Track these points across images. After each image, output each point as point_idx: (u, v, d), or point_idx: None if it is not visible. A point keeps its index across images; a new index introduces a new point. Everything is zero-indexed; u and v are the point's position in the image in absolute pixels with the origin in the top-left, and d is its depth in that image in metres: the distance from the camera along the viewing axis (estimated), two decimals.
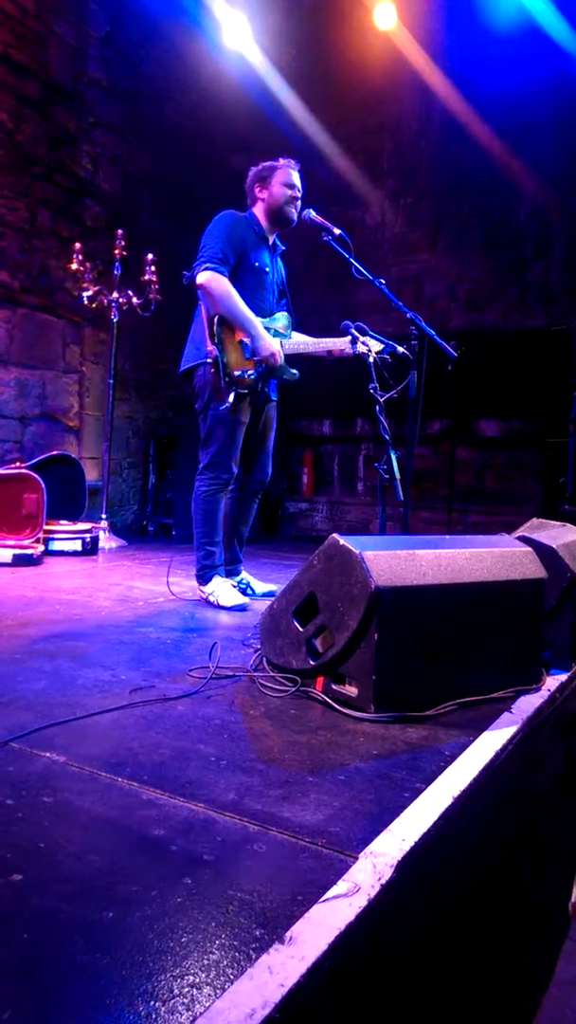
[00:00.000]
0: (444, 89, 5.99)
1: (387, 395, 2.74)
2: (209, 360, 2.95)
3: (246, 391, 2.98)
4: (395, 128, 6.56)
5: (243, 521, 3.34)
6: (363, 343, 2.80)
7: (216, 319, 2.92)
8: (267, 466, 3.32)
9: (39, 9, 5.06)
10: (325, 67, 6.36)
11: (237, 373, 2.94)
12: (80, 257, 4.86)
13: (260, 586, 3.32)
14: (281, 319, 3.17)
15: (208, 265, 2.91)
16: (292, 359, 3.12)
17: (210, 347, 2.93)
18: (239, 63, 6.13)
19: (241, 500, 3.31)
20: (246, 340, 2.97)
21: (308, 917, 0.91)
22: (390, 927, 1.01)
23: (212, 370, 2.94)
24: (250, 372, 2.97)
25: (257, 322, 2.98)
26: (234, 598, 3.01)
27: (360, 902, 0.94)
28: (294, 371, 3.13)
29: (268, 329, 3.04)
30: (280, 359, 3.02)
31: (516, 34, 5.58)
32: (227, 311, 2.92)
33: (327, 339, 3.16)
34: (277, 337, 3.07)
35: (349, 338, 2.98)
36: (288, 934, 0.88)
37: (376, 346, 2.95)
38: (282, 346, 3.06)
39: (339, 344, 3.11)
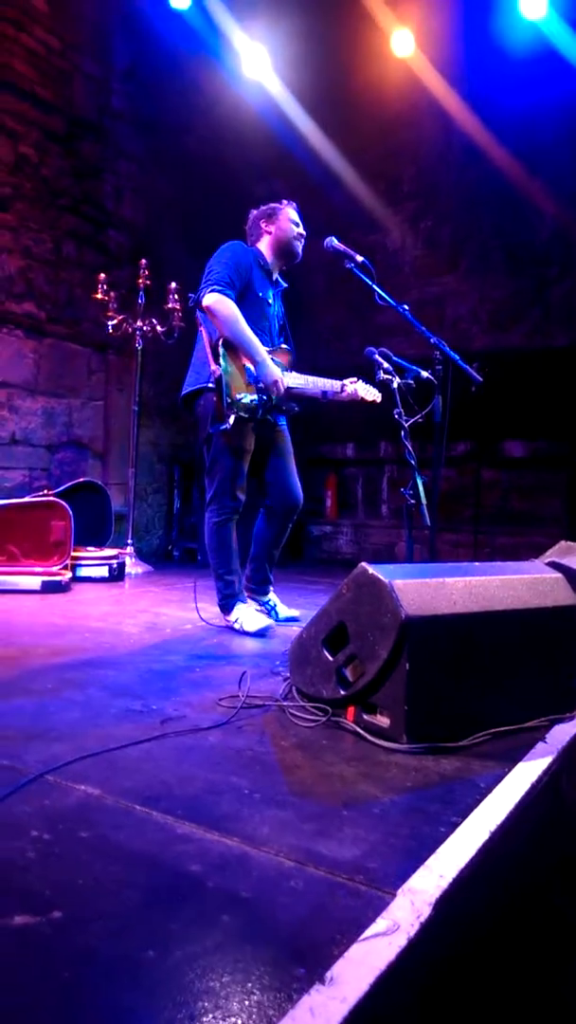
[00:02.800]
0: (462, 113, 6.04)
1: (412, 420, 2.75)
2: (211, 384, 2.93)
3: (247, 416, 2.97)
4: (415, 153, 6.62)
5: (275, 544, 3.31)
6: (387, 370, 2.81)
7: (221, 342, 2.92)
8: (296, 491, 3.27)
9: (64, 47, 5.20)
10: (344, 95, 6.43)
11: (238, 396, 2.93)
12: (105, 287, 4.94)
13: (284, 611, 3.32)
14: (283, 352, 3.19)
15: (215, 288, 2.91)
16: (290, 394, 3.15)
17: (214, 367, 2.91)
18: (259, 93, 6.23)
19: (273, 524, 3.27)
20: (250, 366, 2.98)
21: (348, 957, 0.91)
22: (430, 966, 1.00)
23: (215, 395, 2.91)
24: (252, 398, 2.98)
25: (262, 348, 2.99)
26: (258, 623, 3.00)
27: (400, 941, 0.94)
28: (293, 404, 3.16)
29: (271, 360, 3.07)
30: (282, 388, 3.02)
31: (532, 56, 5.62)
32: (233, 335, 2.92)
33: (322, 380, 3.24)
34: (279, 367, 3.08)
35: (342, 381, 3.26)
36: (329, 974, 0.87)
37: (371, 394, 3.25)
38: (287, 379, 3.09)
39: (335, 387, 3.25)
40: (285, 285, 3.34)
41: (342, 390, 3.27)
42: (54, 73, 5.14)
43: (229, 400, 2.90)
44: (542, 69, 5.65)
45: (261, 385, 2.99)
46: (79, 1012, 0.82)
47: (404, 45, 5.96)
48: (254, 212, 3.27)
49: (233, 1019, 0.81)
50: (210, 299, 2.91)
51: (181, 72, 6.12)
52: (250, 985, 0.87)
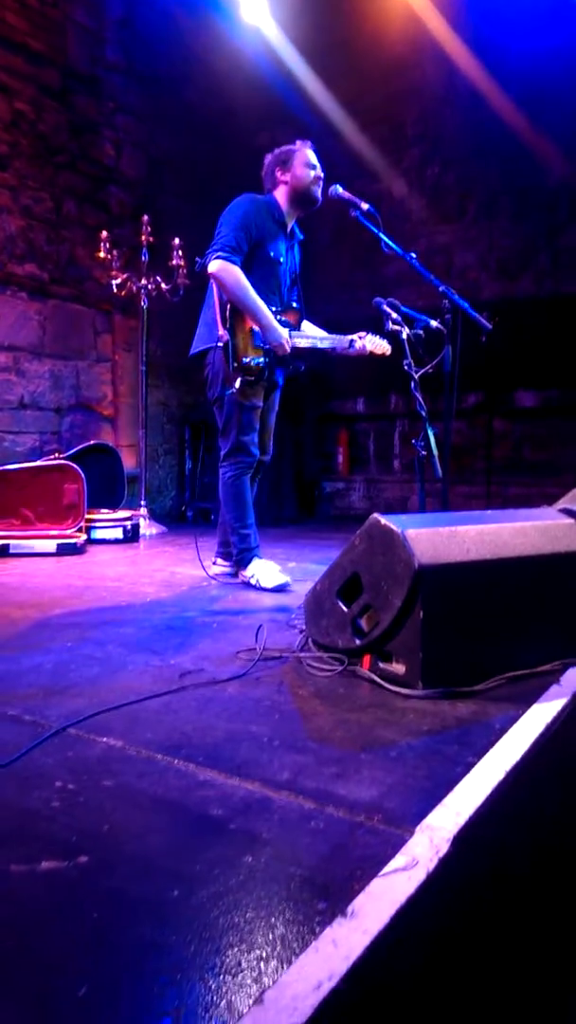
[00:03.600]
0: (466, 53, 5.85)
1: (422, 371, 2.72)
2: (220, 344, 2.96)
3: (254, 378, 3.00)
4: (418, 95, 6.43)
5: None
6: (396, 321, 2.78)
7: (228, 306, 2.94)
8: (268, 446, 3.32)
9: None
10: (344, 37, 6.24)
11: (246, 360, 2.96)
12: (107, 245, 4.88)
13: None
14: (293, 311, 3.17)
15: (220, 254, 2.90)
16: (298, 352, 3.13)
17: (222, 331, 2.94)
18: (257, 39, 6.05)
19: None
20: (256, 328, 2.99)
21: (369, 891, 0.93)
22: (449, 900, 1.02)
23: (222, 355, 2.96)
24: (259, 359, 3.00)
25: (267, 312, 2.98)
26: (275, 578, 3.03)
27: (419, 875, 0.96)
28: (300, 363, 3.15)
29: (279, 320, 3.04)
30: (288, 349, 3.03)
31: None
32: (238, 301, 2.93)
33: (329, 337, 3.22)
34: (287, 328, 3.07)
35: (350, 337, 3.19)
36: (350, 908, 0.89)
37: (380, 347, 3.16)
38: (291, 338, 3.07)
39: (343, 343, 3.22)
40: (301, 237, 3.29)
41: (350, 346, 3.23)
42: (46, 24, 5.01)
43: (235, 364, 2.93)
44: (549, 10, 5.45)
45: (268, 347, 2.99)
46: (108, 950, 0.84)
47: None
48: (269, 158, 3.17)
49: (257, 951, 0.83)
50: (214, 266, 2.90)
51: (177, 20, 5.94)
52: (273, 920, 0.89)
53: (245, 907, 0.91)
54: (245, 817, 1.13)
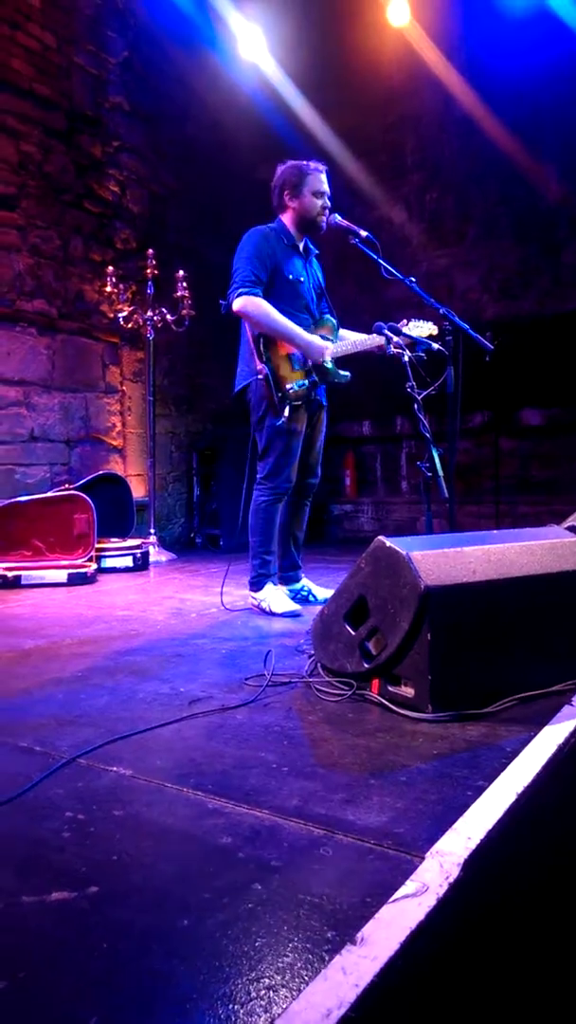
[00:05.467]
0: (461, 80, 5.95)
1: (424, 392, 2.74)
2: (260, 377, 3.01)
3: (300, 403, 3.04)
4: (416, 123, 6.53)
5: (297, 525, 3.35)
6: (396, 344, 2.80)
7: (261, 339, 3.00)
8: (316, 469, 3.34)
9: (59, 42, 5.18)
10: (341, 69, 6.36)
11: (289, 386, 3.01)
12: (113, 279, 4.96)
13: (321, 592, 3.31)
14: (326, 324, 3.19)
15: (242, 290, 2.96)
16: (342, 360, 3.14)
17: (259, 366, 3.00)
18: (256, 75, 6.18)
19: (292, 504, 3.31)
20: (293, 352, 3.04)
21: (378, 918, 0.92)
22: (460, 926, 1.01)
23: (264, 388, 3.01)
24: (302, 383, 3.04)
25: (299, 330, 3.02)
26: (285, 605, 3.03)
27: (429, 901, 0.95)
28: (345, 373, 3.15)
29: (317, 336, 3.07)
30: (328, 356, 3.05)
31: (529, 20, 5.52)
32: (269, 329, 2.99)
33: (369, 337, 3.07)
34: (326, 341, 3.10)
35: (383, 339, 2.95)
36: (359, 935, 0.89)
37: (420, 330, 2.96)
38: (333, 350, 3.09)
39: (379, 340, 2.98)
40: (316, 251, 3.32)
41: (389, 341, 2.89)
42: (51, 69, 5.13)
43: (280, 394, 2.98)
44: (540, 33, 5.55)
45: (310, 365, 3.05)
46: (117, 980, 0.84)
47: (400, 14, 5.87)
48: (280, 172, 3.16)
49: (267, 980, 0.83)
50: (238, 303, 2.96)
51: (177, 59, 6.08)
52: (282, 948, 0.88)
53: (254, 936, 0.91)
54: (254, 845, 1.13)
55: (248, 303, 2.95)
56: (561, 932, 1.29)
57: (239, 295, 2.96)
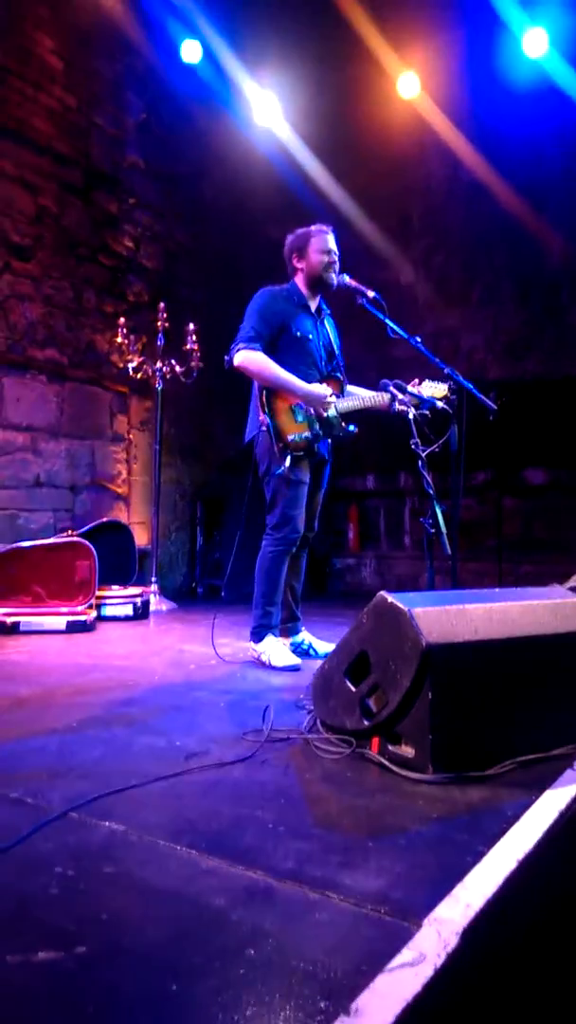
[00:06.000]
0: (469, 150, 6.16)
1: (429, 450, 2.76)
2: (263, 428, 3.07)
3: (301, 453, 3.07)
4: (425, 189, 6.73)
5: (295, 577, 3.35)
6: (401, 401, 2.84)
7: (264, 391, 3.06)
8: (314, 522, 3.35)
9: (80, 103, 5.39)
10: (353, 137, 6.59)
11: (290, 437, 3.04)
12: (124, 331, 5.06)
13: (322, 646, 3.28)
14: (333, 380, 3.22)
15: (241, 346, 3.05)
16: (349, 415, 3.18)
17: (262, 417, 3.07)
18: (270, 139, 6.40)
19: (290, 556, 3.31)
20: (296, 404, 3.08)
21: (373, 988, 0.90)
22: (457, 996, 0.98)
23: (267, 437, 3.06)
24: (303, 435, 3.07)
25: (297, 380, 3.06)
26: (286, 658, 3.01)
27: (426, 971, 0.93)
28: (351, 427, 3.19)
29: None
30: (330, 405, 3.10)
31: (534, 93, 5.73)
32: (267, 380, 3.04)
33: (375, 394, 3.15)
34: (334, 398, 3.14)
35: (388, 396, 2.99)
36: (354, 1005, 0.86)
37: (433, 390, 3.02)
38: (336, 401, 3.14)
39: (385, 399, 3.04)
40: (328, 310, 3.39)
41: (394, 399, 2.94)
42: (71, 129, 5.32)
43: (281, 444, 3.03)
44: (545, 104, 5.76)
45: (312, 416, 3.09)
46: None
47: (410, 87, 6.11)
48: (289, 240, 3.27)
49: None
50: (237, 359, 3.05)
51: (194, 122, 6.31)
52: (274, 1018, 0.86)
53: (245, 1003, 0.88)
54: (247, 907, 1.10)
55: (246, 357, 3.03)
56: (561, 1003, 1.24)
57: (238, 350, 3.05)
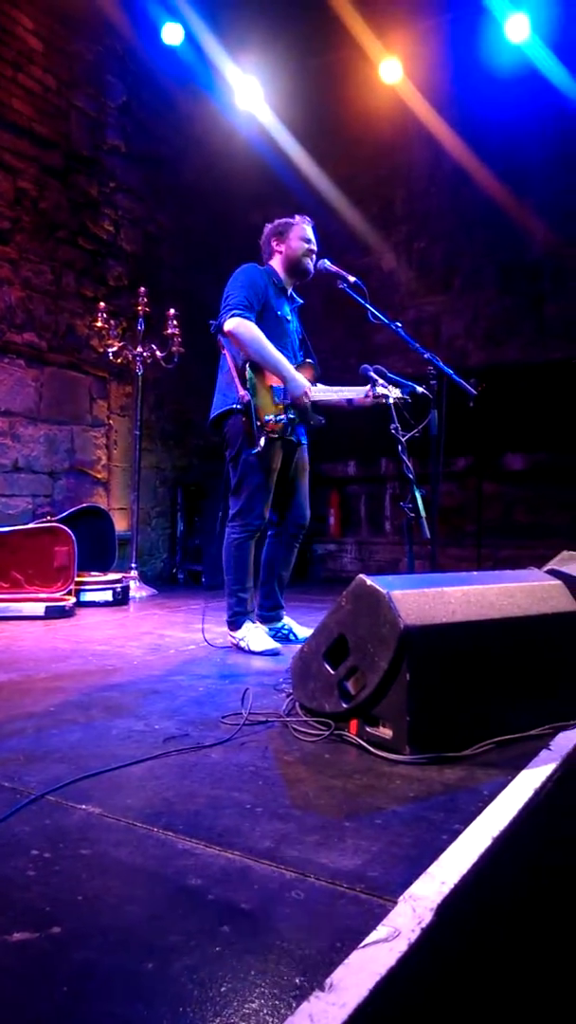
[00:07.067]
0: (451, 136, 6.14)
1: (408, 435, 2.76)
2: (239, 406, 2.94)
3: (276, 436, 3.00)
4: (406, 176, 6.71)
5: (284, 565, 3.33)
6: (382, 385, 2.84)
7: (247, 364, 2.95)
8: (305, 509, 3.31)
9: (60, 85, 5.31)
10: (335, 122, 6.55)
11: (268, 417, 2.95)
12: (104, 315, 5.01)
13: (302, 631, 3.29)
14: (308, 367, 3.19)
15: (235, 312, 2.94)
16: (316, 407, 3.15)
17: (242, 392, 2.93)
18: (251, 123, 6.35)
19: (282, 544, 3.30)
20: (275, 384, 3.01)
21: (348, 963, 0.90)
22: (432, 971, 0.99)
23: (243, 417, 2.95)
24: (280, 416, 2.99)
25: (287, 363, 3.01)
26: (265, 643, 3.01)
27: (401, 947, 0.93)
28: (320, 417, 3.15)
29: None
30: (309, 398, 3.04)
31: (516, 78, 5.72)
32: (257, 354, 2.94)
33: (348, 388, 3.14)
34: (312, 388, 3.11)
35: (367, 387, 3.01)
36: (328, 981, 0.87)
37: (396, 392, 2.99)
38: (315, 395, 3.10)
39: (360, 393, 3.08)
40: (301, 301, 3.35)
41: (367, 396, 3.05)
42: (51, 110, 5.25)
43: (259, 423, 2.92)
44: (527, 90, 5.76)
45: (289, 401, 3.01)
46: (78, 1023, 0.81)
47: (392, 73, 6.07)
48: (268, 228, 3.27)
49: None
50: (231, 323, 2.93)
51: (175, 105, 6.24)
52: (249, 994, 0.86)
53: (220, 980, 0.88)
54: (224, 887, 1.10)
55: (240, 325, 2.92)
56: (534, 977, 1.26)
57: (232, 316, 2.93)
